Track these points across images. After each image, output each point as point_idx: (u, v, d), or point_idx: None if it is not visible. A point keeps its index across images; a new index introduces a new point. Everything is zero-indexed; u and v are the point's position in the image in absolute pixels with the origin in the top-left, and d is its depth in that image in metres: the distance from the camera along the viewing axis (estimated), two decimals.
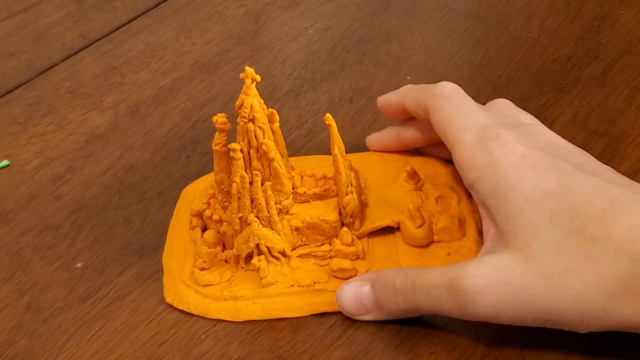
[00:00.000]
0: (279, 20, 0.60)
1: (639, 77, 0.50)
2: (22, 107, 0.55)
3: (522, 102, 0.50)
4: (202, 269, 0.42)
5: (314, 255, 0.41)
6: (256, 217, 0.40)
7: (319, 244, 0.42)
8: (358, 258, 0.41)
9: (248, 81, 0.39)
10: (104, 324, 0.41)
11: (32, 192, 0.49)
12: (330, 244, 0.41)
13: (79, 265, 0.44)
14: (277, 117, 0.40)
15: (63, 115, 0.54)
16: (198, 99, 0.54)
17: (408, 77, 0.53)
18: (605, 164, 0.37)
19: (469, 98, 0.40)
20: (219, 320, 0.40)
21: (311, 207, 0.42)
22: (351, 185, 0.41)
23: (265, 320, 0.40)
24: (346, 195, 0.41)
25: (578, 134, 0.47)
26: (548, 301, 0.33)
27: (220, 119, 0.40)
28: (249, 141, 0.40)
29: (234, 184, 0.39)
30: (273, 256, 0.41)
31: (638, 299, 0.32)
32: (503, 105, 0.42)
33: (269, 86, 0.53)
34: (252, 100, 0.39)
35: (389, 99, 0.44)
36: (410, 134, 0.44)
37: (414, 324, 0.38)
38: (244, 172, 0.39)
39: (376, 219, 0.42)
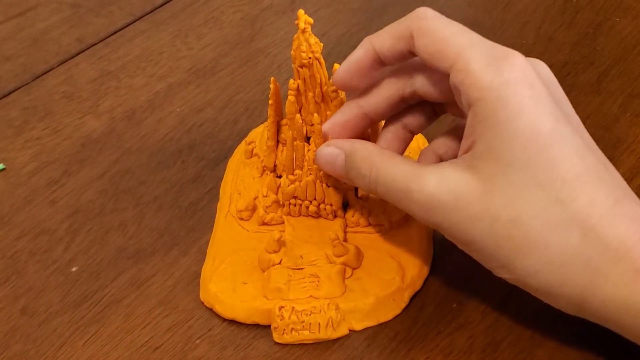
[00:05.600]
0: (275, 25, 0.60)
1: (634, 84, 0.51)
2: (18, 111, 0.55)
3: None
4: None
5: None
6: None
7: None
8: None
9: (302, 24, 0.40)
10: (99, 328, 0.41)
11: (27, 196, 0.49)
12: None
13: (74, 269, 0.44)
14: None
15: (59, 119, 0.54)
16: (194, 104, 0.54)
17: None
18: None
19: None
20: (214, 325, 0.40)
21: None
22: None
23: (260, 325, 0.40)
24: None
25: None
26: (487, 240, 0.34)
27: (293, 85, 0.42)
28: (305, 84, 0.41)
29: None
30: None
31: (570, 270, 0.32)
32: None
33: (265, 91, 0.53)
34: (305, 41, 0.40)
35: (351, 63, 0.39)
36: (375, 99, 0.39)
37: (410, 329, 0.38)
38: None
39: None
